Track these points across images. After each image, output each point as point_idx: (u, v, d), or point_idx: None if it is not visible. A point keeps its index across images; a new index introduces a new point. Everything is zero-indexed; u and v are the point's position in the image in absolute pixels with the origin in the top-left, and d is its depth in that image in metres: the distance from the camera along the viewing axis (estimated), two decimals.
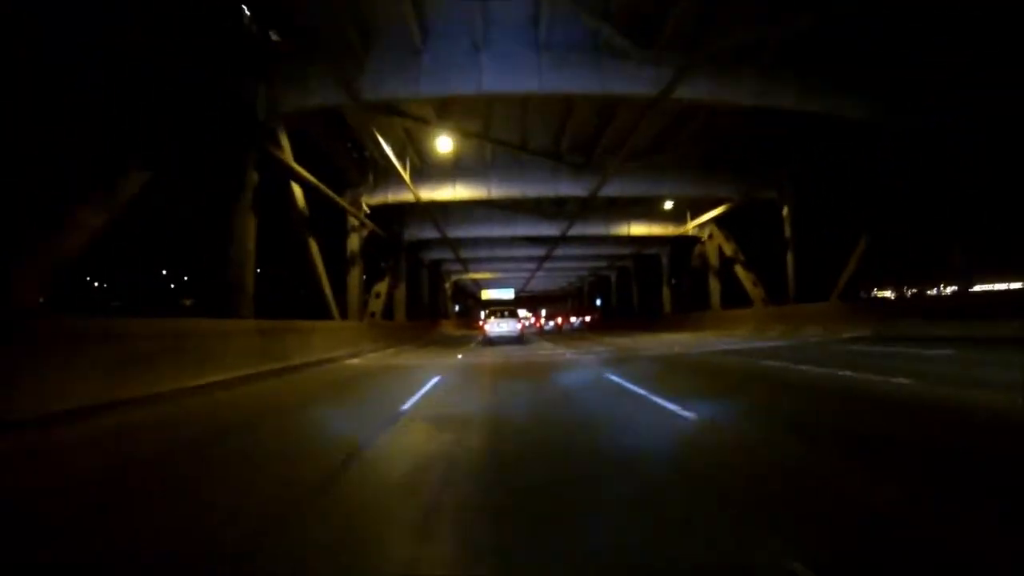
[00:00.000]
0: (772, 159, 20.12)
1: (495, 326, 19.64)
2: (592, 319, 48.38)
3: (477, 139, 15.26)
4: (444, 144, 14.11)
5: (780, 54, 11.11)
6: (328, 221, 18.42)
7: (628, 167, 17.26)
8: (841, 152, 19.33)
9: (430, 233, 24.06)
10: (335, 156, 16.44)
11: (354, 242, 17.55)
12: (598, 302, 52.54)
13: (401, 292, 23.71)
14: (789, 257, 21.07)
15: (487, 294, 58.07)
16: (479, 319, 54.80)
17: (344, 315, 16.89)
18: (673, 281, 33.75)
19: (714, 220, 25.95)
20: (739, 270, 24.84)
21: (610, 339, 19.76)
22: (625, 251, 33.20)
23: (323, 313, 14.35)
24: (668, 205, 23.42)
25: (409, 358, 12.75)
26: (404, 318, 23.56)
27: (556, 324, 49.88)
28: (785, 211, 21.18)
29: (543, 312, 70.10)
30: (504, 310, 21.13)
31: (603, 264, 40.31)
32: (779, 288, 23.70)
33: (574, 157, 17.74)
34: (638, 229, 26.00)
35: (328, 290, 13.93)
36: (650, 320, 33.03)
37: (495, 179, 17.56)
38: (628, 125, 14.95)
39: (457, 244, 27.86)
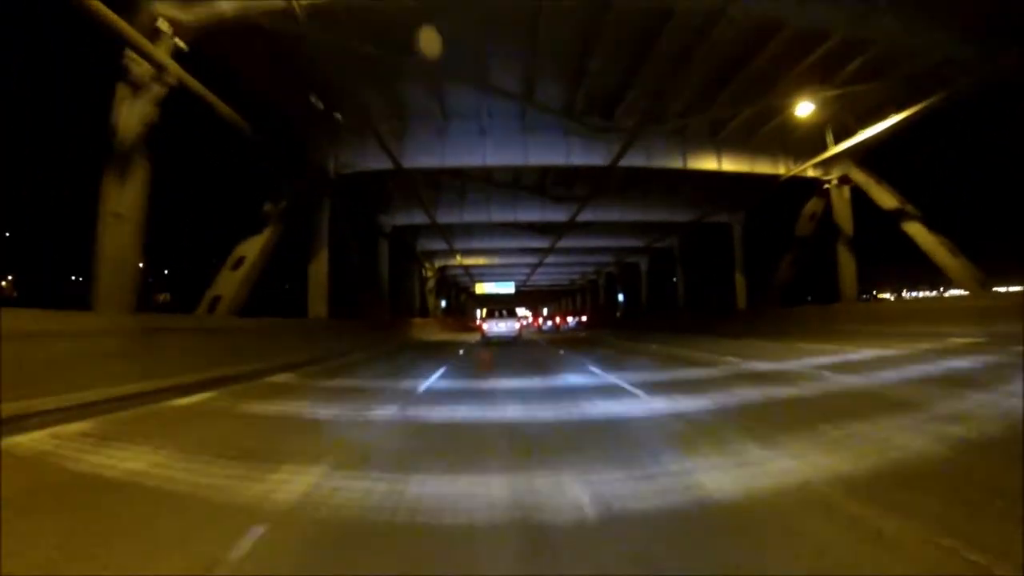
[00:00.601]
0: None
1: (493, 326, 18.82)
2: (589, 318, 46.73)
3: None
4: None
5: None
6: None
7: None
8: None
9: (381, 161, 13.46)
10: None
11: (129, 114, 7.04)
12: (620, 297, 42.01)
13: (320, 266, 13.11)
14: None
15: (482, 288, 47.71)
16: (474, 318, 46.46)
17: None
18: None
19: (853, 153, 15.56)
20: (916, 230, 14.44)
21: (694, 354, 9.22)
22: (682, 217, 22.64)
23: None
24: (804, 110, 12.93)
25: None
26: (325, 312, 12.94)
27: (555, 324, 49.06)
28: None
29: (544, 311, 66.57)
30: (503, 309, 20.12)
31: (637, 244, 29.66)
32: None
33: None
34: (733, 164, 15.46)
35: None
36: (708, 319, 22.51)
37: None
38: None
39: (432, 187, 17.22)
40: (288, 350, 9.62)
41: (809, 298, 31.29)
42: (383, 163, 13.29)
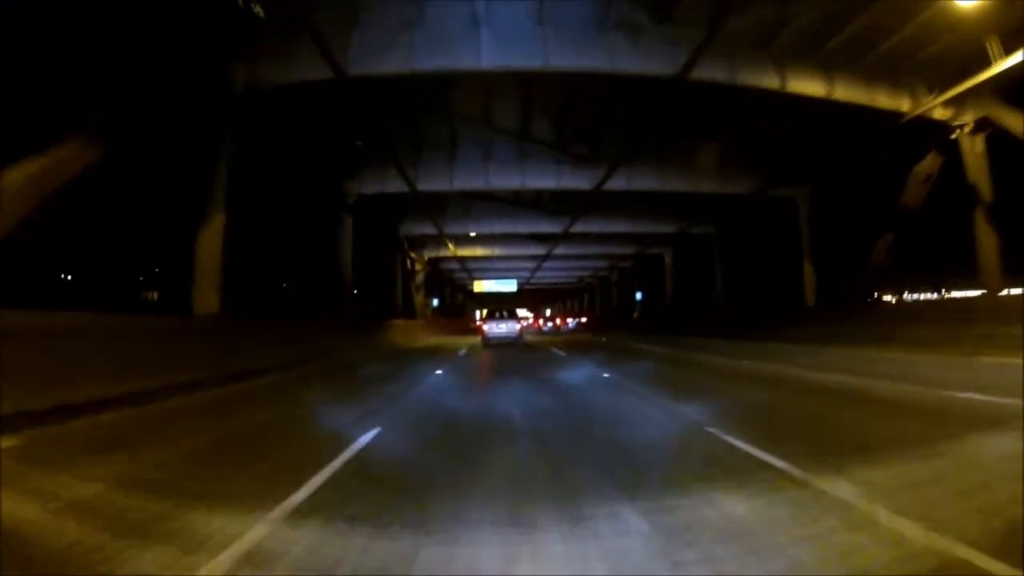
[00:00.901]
0: None
1: (494, 327, 17.87)
2: (590, 319, 46.47)
3: None
4: None
5: None
6: None
7: None
8: None
9: (318, 67, 8.54)
10: None
11: None
12: (638, 295, 37.04)
13: (212, 236, 8.16)
14: None
15: (481, 286, 42.93)
16: (472, 319, 42.27)
17: None
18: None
19: (996, 87, 10.74)
20: None
21: None
22: (734, 188, 17.71)
23: None
24: None
25: None
26: (216, 305, 7.97)
27: (555, 325, 50.81)
28: None
29: (548, 311, 66.57)
30: (503, 309, 19.31)
31: (664, 231, 24.66)
32: None
33: None
34: (846, 90, 10.52)
35: None
36: (768, 320, 17.69)
37: None
38: None
39: (409, 133, 12.33)
40: (92, 376, 4.71)
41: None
42: (320, 71, 8.36)
